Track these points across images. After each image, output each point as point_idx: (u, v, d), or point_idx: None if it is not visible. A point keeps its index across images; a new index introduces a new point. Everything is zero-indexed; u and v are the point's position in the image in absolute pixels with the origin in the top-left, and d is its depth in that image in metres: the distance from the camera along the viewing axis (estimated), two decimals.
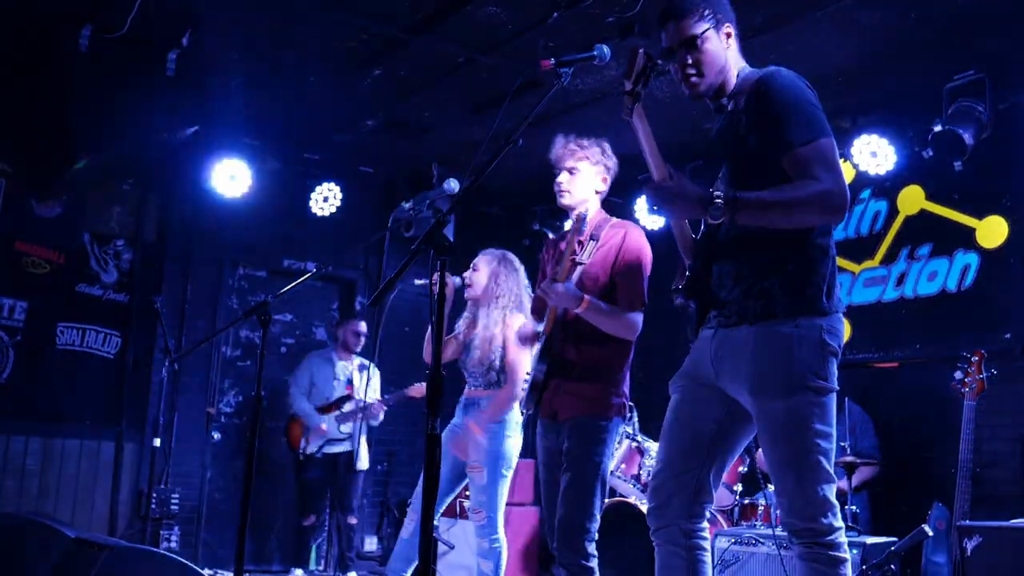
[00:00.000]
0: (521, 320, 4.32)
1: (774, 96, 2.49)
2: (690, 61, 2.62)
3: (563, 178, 3.67)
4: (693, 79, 2.64)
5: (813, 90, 2.55)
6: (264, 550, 7.24)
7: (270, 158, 6.87)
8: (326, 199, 7.15)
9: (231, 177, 6.60)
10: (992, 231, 5.52)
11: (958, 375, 4.69)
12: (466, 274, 4.47)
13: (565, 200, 3.67)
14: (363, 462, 6.74)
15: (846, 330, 6.07)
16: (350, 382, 6.79)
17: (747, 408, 2.55)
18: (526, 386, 3.67)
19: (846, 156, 6.05)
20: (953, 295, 5.65)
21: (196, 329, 6.95)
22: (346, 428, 6.62)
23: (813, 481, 2.42)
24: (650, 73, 2.51)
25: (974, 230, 5.60)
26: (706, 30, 2.62)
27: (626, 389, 3.65)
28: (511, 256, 4.57)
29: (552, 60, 2.69)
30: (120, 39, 5.14)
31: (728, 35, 2.67)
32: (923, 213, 5.91)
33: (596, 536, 3.49)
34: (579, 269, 3.54)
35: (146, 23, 5.05)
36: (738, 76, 2.67)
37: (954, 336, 5.59)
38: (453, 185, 3.42)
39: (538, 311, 3.79)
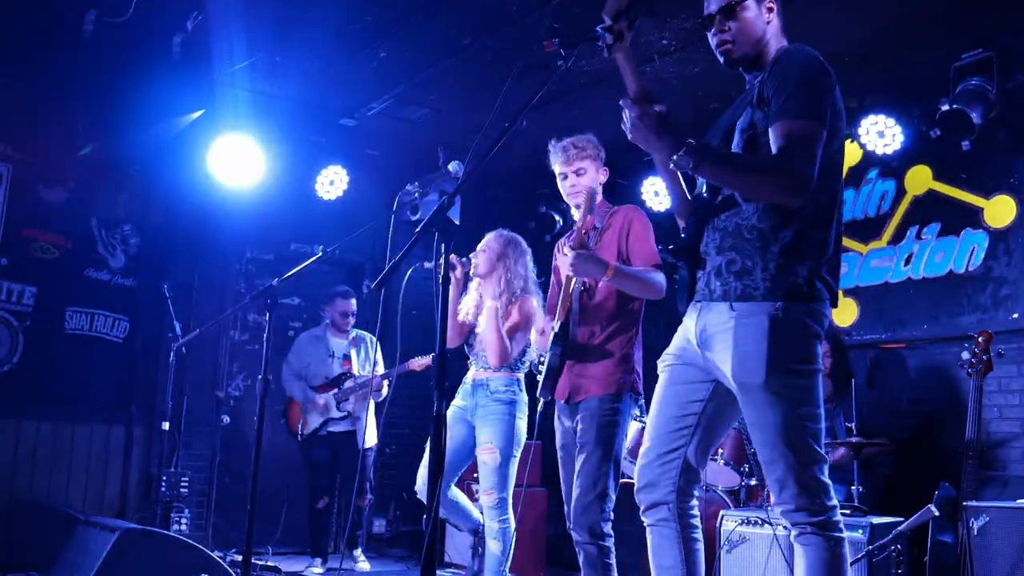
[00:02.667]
0: (535, 303, 4.39)
1: (786, 69, 2.50)
2: (726, 28, 2.63)
3: (572, 180, 3.79)
4: (728, 46, 2.65)
5: (831, 75, 2.53)
6: (277, 533, 7.29)
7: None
8: (332, 182, 7.14)
9: (237, 161, 6.58)
10: (1000, 210, 5.49)
11: (965, 355, 4.69)
12: (473, 255, 4.49)
13: (578, 199, 3.73)
14: (370, 440, 6.63)
15: (852, 311, 6.12)
16: (346, 358, 6.69)
17: (732, 391, 2.55)
18: (542, 372, 3.70)
19: (853, 136, 6.03)
20: (961, 275, 5.63)
21: (204, 313, 6.95)
22: (346, 406, 6.50)
23: (803, 463, 2.42)
24: (634, 15, 2.51)
25: (982, 209, 5.58)
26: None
27: (638, 366, 3.72)
28: (519, 239, 4.60)
29: (555, 41, 2.69)
30: (124, 24, 5.14)
31: (770, 9, 2.67)
32: (931, 193, 5.88)
33: (612, 516, 3.55)
34: None
35: (150, 8, 5.06)
36: (776, 53, 2.66)
37: (962, 316, 5.58)
38: (457, 167, 3.44)
39: (552, 307, 3.84)
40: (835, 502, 2.47)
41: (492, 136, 2.62)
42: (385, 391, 6.65)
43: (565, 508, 3.73)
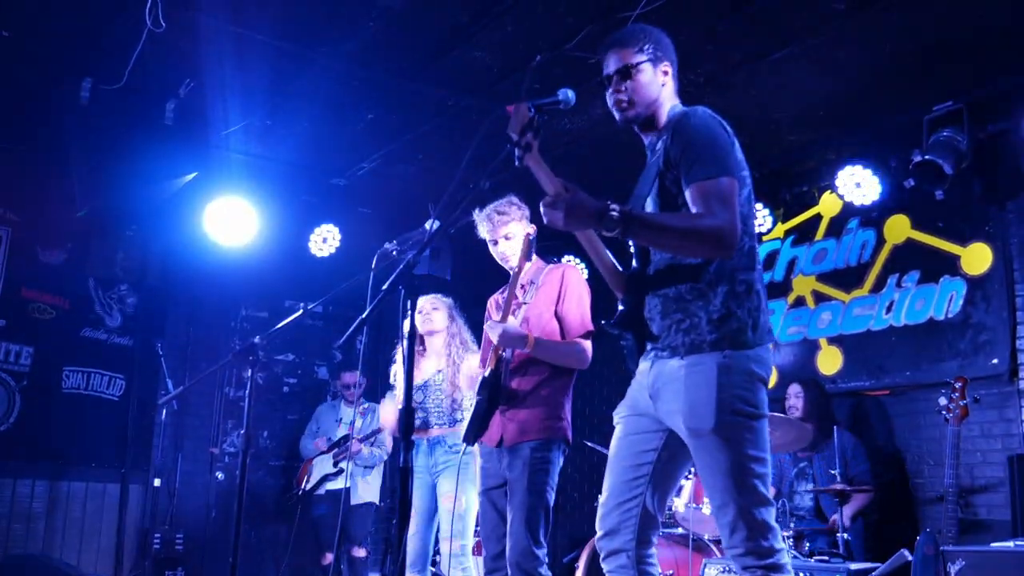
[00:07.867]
0: (474, 361, 4.51)
1: (686, 134, 2.62)
2: (623, 88, 2.76)
3: (503, 247, 3.94)
4: (623, 105, 2.77)
5: (728, 131, 2.66)
6: None
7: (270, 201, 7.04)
8: (325, 240, 7.29)
9: (231, 221, 6.73)
10: (976, 258, 5.61)
11: (942, 401, 4.76)
12: (423, 311, 4.73)
13: (512, 263, 3.86)
14: (365, 495, 6.96)
15: (837, 359, 6.19)
16: (351, 424, 6.96)
17: (683, 438, 2.63)
18: (468, 416, 3.82)
19: (832, 188, 6.16)
20: (940, 322, 5.72)
21: (199, 371, 7.07)
22: (342, 464, 6.82)
23: (750, 505, 2.49)
24: (538, 125, 2.63)
25: (959, 257, 5.69)
26: (643, 62, 2.76)
27: (568, 415, 3.80)
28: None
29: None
30: (119, 90, 5.31)
31: (665, 72, 2.81)
32: (909, 241, 6.00)
33: (547, 559, 3.61)
34: (523, 308, 3.77)
35: (143, 75, 5.22)
36: (668, 114, 2.79)
37: (942, 363, 5.66)
38: (431, 225, 3.51)
39: (485, 355, 3.96)
40: (782, 545, 2.54)
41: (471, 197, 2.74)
42: (374, 452, 6.87)
43: (483, 552, 3.79)
